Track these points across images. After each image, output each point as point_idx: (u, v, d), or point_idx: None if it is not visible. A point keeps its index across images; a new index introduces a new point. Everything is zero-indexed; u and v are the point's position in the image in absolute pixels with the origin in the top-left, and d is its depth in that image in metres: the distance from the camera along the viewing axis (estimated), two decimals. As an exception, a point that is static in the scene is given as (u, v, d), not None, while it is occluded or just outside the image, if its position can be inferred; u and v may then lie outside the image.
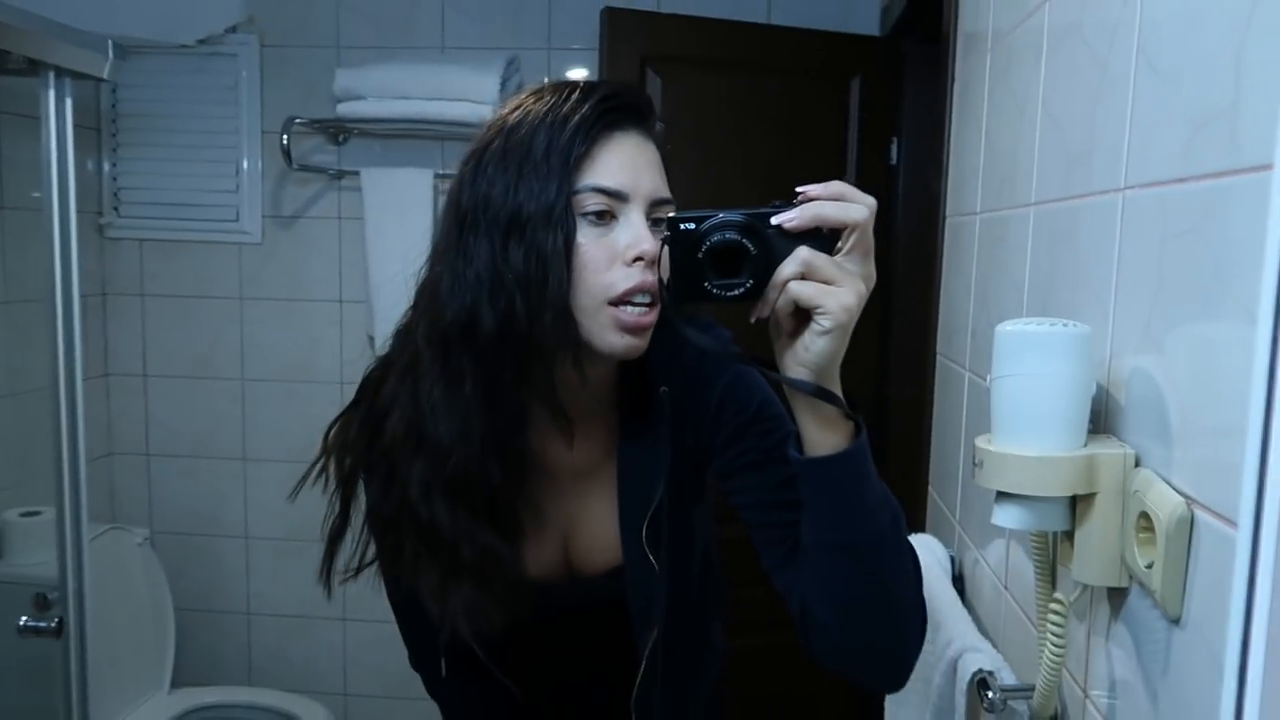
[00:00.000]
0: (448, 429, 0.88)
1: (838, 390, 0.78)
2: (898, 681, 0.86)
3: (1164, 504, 0.67)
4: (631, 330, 0.85)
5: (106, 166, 2.60)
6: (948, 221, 1.55)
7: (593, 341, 0.85)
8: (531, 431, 0.94)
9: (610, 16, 2.09)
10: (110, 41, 1.67)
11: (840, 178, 2.26)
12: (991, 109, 1.29)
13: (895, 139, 2.30)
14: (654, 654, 1.00)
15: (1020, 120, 1.13)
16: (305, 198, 2.59)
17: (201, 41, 2.52)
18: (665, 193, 0.87)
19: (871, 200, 0.77)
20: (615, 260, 0.84)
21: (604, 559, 1.01)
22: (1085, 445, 0.77)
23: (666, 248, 0.77)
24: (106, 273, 2.65)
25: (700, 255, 0.76)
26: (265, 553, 2.71)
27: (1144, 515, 0.71)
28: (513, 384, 0.87)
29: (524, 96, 0.90)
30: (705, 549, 1.08)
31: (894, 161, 2.31)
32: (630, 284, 0.83)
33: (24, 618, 1.62)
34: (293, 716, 2.41)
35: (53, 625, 1.60)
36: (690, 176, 2.13)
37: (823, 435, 0.78)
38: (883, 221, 2.36)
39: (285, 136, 2.39)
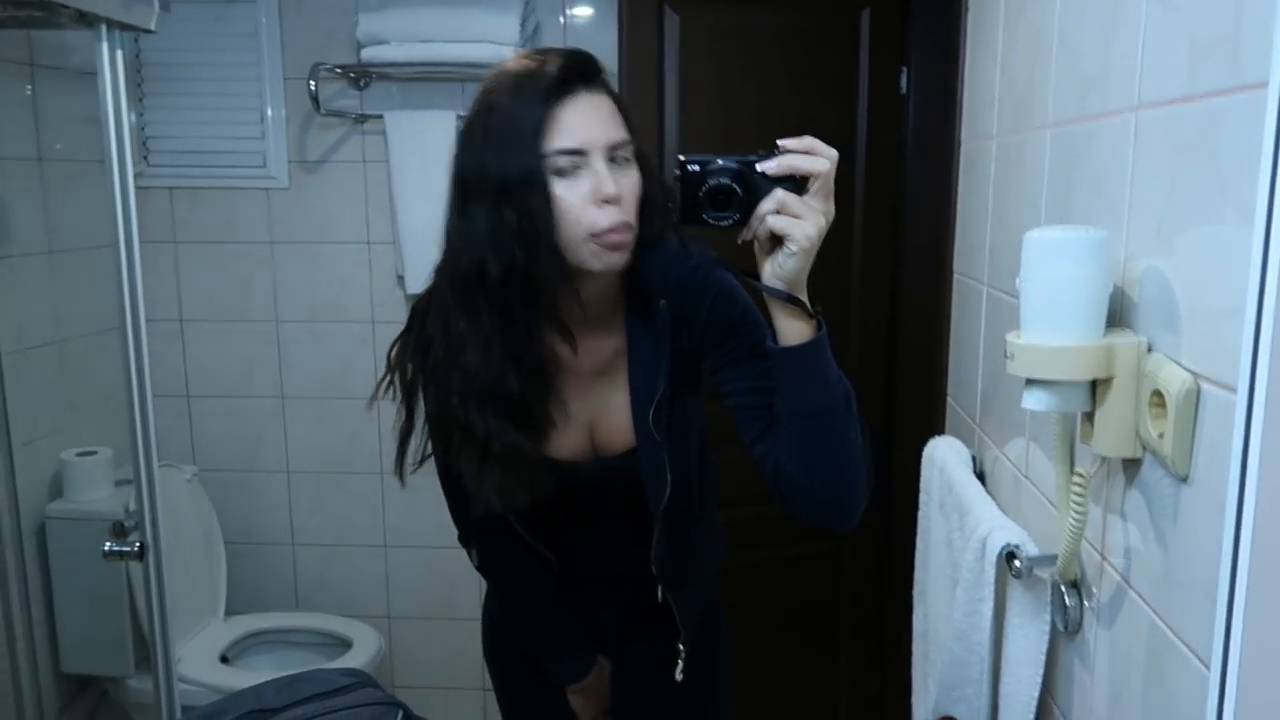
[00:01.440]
0: (473, 354, 1.12)
1: (804, 296, 1.01)
2: (848, 520, 1.10)
3: (1174, 380, 0.79)
4: (612, 249, 1.07)
5: (133, 117, 2.65)
6: (963, 147, 1.64)
7: (586, 264, 1.08)
8: (553, 344, 1.17)
9: (628, -45, 2.15)
10: (156, -5, 1.73)
11: (852, 108, 2.34)
12: (1007, 38, 1.38)
13: (905, 69, 2.37)
14: (667, 515, 1.24)
15: (1036, 48, 1.22)
16: (329, 142, 2.66)
17: (221, -10, 2.57)
18: (619, 135, 1.08)
19: (834, 153, 0.99)
20: (588, 203, 1.05)
21: (622, 441, 1.26)
22: (1104, 336, 0.88)
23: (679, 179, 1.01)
24: (140, 221, 2.72)
25: (701, 194, 1.00)
26: (305, 486, 2.83)
27: (1156, 393, 0.82)
28: (521, 313, 1.10)
29: (496, 74, 1.11)
30: (700, 431, 1.32)
31: (904, 91, 2.39)
32: (606, 222, 1.06)
33: (108, 543, 1.74)
34: (343, 637, 2.57)
35: (135, 549, 1.72)
36: (709, 110, 2.23)
37: (792, 330, 1.01)
38: (893, 149, 2.46)
39: (313, 83, 2.45)
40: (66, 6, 1.58)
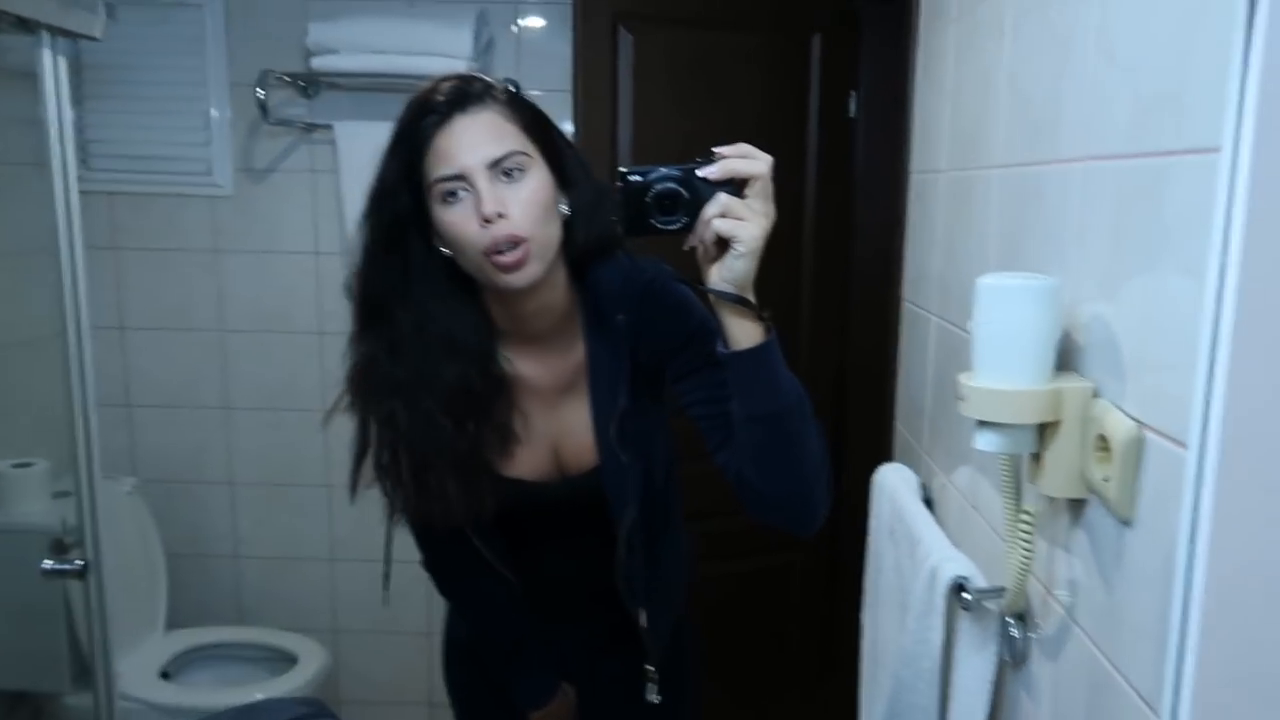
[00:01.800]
0: (372, 370, 1.18)
1: (752, 299, 1.02)
2: (809, 525, 1.13)
3: (1119, 427, 0.81)
4: (505, 269, 1.10)
5: (73, 118, 2.58)
6: (912, 178, 1.67)
7: (494, 283, 1.12)
8: (508, 359, 1.21)
9: (584, -27, 2.15)
10: (101, 1, 1.69)
11: (803, 130, 2.39)
12: (959, 75, 1.41)
13: (854, 93, 2.42)
14: (631, 532, 1.25)
15: (986, 89, 1.25)
16: (277, 150, 2.62)
17: (167, -8, 2.51)
18: (499, 151, 1.10)
19: (769, 157, 1.00)
20: (474, 222, 1.08)
21: (587, 459, 1.27)
22: (1052, 380, 0.90)
23: (621, 190, 1.02)
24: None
25: (648, 199, 1.00)
26: (249, 497, 2.79)
27: (1101, 437, 0.85)
28: (449, 292, 1.16)
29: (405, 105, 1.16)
30: (665, 445, 1.33)
31: (852, 115, 2.43)
32: (485, 241, 1.08)
33: (48, 561, 1.69)
34: (288, 652, 2.53)
35: (76, 567, 1.68)
36: (662, 126, 2.24)
37: (743, 333, 1.02)
38: (841, 171, 2.51)
39: (261, 90, 2.41)
40: (6, 12, 1.54)
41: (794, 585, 2.63)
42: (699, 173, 1.00)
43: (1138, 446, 0.80)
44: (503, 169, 1.09)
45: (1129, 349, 0.83)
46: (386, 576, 1.35)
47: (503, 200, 1.08)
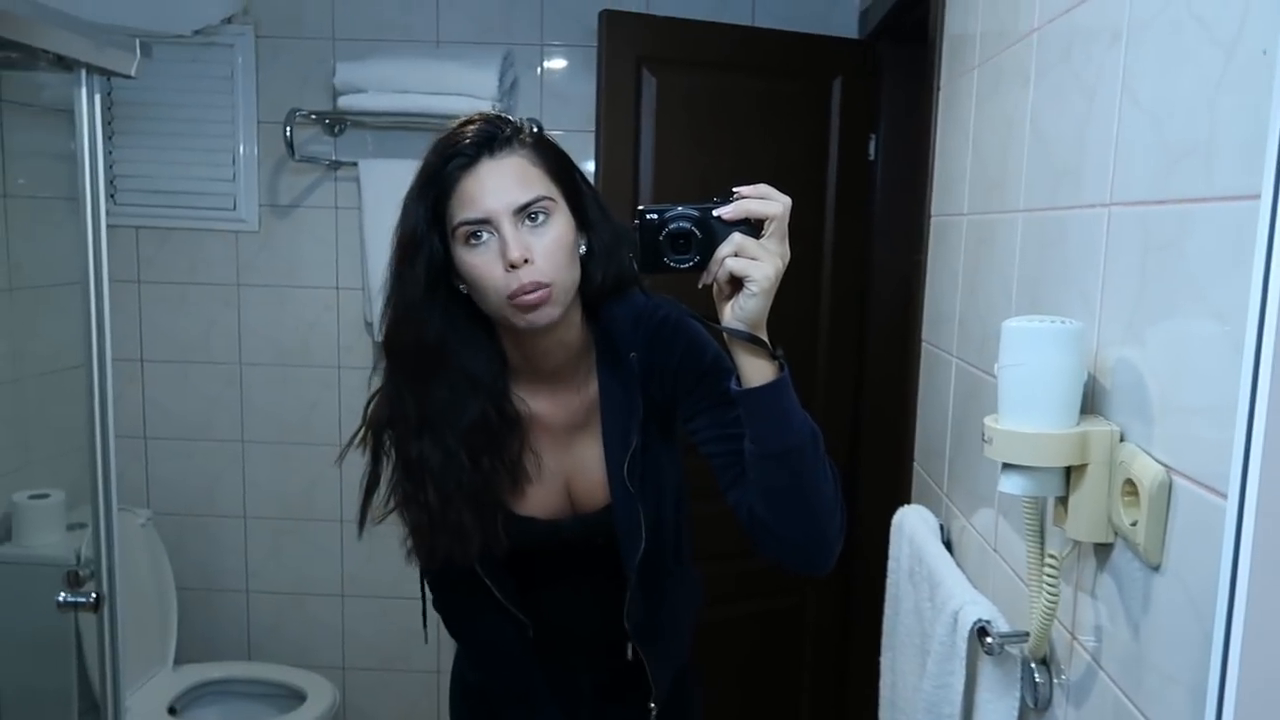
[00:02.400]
0: (396, 406, 1.19)
1: (765, 337, 1.03)
2: (822, 565, 1.12)
3: (1146, 472, 0.81)
4: (526, 309, 1.10)
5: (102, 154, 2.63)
6: (933, 220, 1.68)
7: (514, 324, 1.12)
8: (524, 397, 1.22)
9: (609, 19, 2.19)
10: (137, 40, 1.73)
11: (821, 172, 2.41)
12: (979, 121, 1.42)
13: (873, 136, 2.44)
14: (641, 570, 1.24)
15: (1009, 134, 1.26)
16: (301, 187, 2.66)
17: (197, 32, 2.56)
18: (525, 197, 1.11)
19: (786, 199, 1.02)
20: (499, 266, 1.09)
21: (600, 496, 1.26)
22: (1078, 424, 0.90)
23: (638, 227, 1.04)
24: (104, 259, 2.69)
25: (661, 238, 1.02)
26: (262, 532, 2.79)
27: (1129, 481, 0.84)
28: (432, 371, 1.16)
29: (433, 143, 1.16)
30: (677, 483, 1.32)
31: (872, 157, 2.45)
32: (512, 286, 1.09)
33: (63, 594, 1.69)
34: (297, 688, 2.51)
35: (91, 600, 1.68)
36: (683, 167, 2.27)
37: (756, 371, 1.03)
38: (861, 212, 2.53)
39: (288, 128, 2.45)
40: (47, 51, 1.57)
41: (806, 628, 2.60)
42: (715, 212, 1.01)
43: (1166, 491, 0.80)
44: (528, 214, 1.11)
45: (1157, 393, 0.83)
46: (425, 614, 1.36)
47: (528, 245, 1.09)
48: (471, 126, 1.13)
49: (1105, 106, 0.96)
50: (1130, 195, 0.90)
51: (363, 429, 1.24)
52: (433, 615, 1.36)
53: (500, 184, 1.10)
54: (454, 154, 1.11)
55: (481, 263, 1.10)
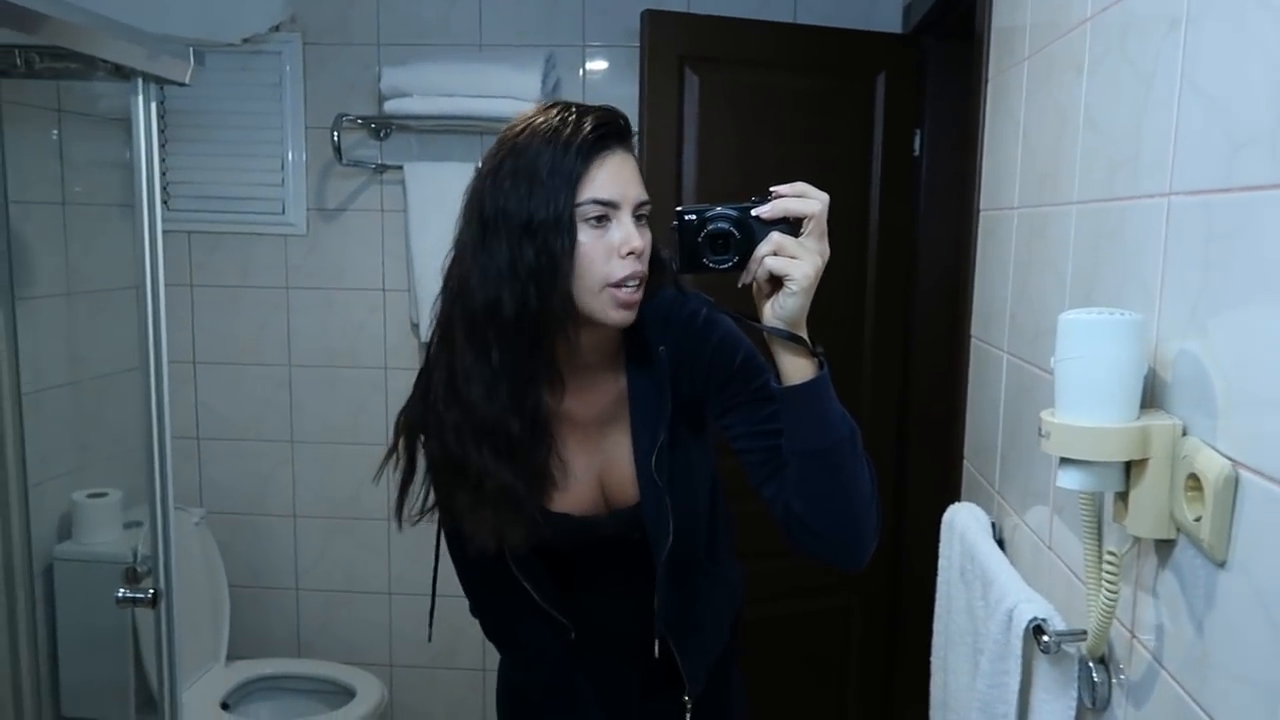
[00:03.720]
0: (477, 389, 1.13)
1: (805, 335, 1.03)
2: (857, 560, 1.12)
3: (1211, 466, 0.80)
4: (626, 305, 1.11)
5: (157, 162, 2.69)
6: (982, 214, 1.66)
7: (595, 316, 1.11)
8: (556, 394, 1.19)
9: (651, 18, 2.19)
10: (191, 49, 1.76)
11: (866, 168, 2.39)
12: (1030, 112, 1.40)
13: (918, 132, 2.42)
14: (670, 564, 1.23)
15: (1061, 126, 1.25)
16: (348, 191, 2.69)
17: (246, 40, 2.61)
18: (644, 196, 1.13)
19: (825, 196, 1.03)
20: (612, 253, 1.09)
21: (631, 492, 1.26)
22: (1138, 418, 0.89)
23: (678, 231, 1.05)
24: (157, 264, 2.74)
25: (700, 239, 1.04)
26: (311, 531, 2.83)
27: (1192, 476, 0.83)
28: (527, 353, 1.12)
29: (528, 118, 1.13)
30: (710, 479, 1.32)
31: (917, 153, 2.43)
32: (626, 272, 1.09)
33: (121, 590, 1.73)
34: (346, 685, 2.54)
35: (148, 596, 1.71)
36: (726, 166, 2.27)
37: (796, 369, 1.04)
38: (906, 209, 2.52)
39: (336, 133, 2.49)
40: (105, 61, 1.61)
41: (854, 627, 2.58)
42: (754, 211, 1.02)
43: (1233, 486, 0.78)
44: (639, 213, 1.12)
45: (1222, 386, 0.81)
46: (431, 613, 1.36)
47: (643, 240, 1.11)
48: (590, 115, 1.11)
49: (1164, 94, 0.94)
50: (1191, 184, 0.88)
51: (397, 440, 1.23)
52: (439, 614, 1.37)
53: (630, 175, 1.12)
54: (596, 135, 1.09)
55: (596, 245, 1.09)
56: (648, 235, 1.13)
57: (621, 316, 1.11)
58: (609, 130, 1.11)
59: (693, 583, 1.31)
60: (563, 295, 1.08)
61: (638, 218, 1.12)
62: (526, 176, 1.08)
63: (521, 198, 1.07)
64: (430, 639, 1.43)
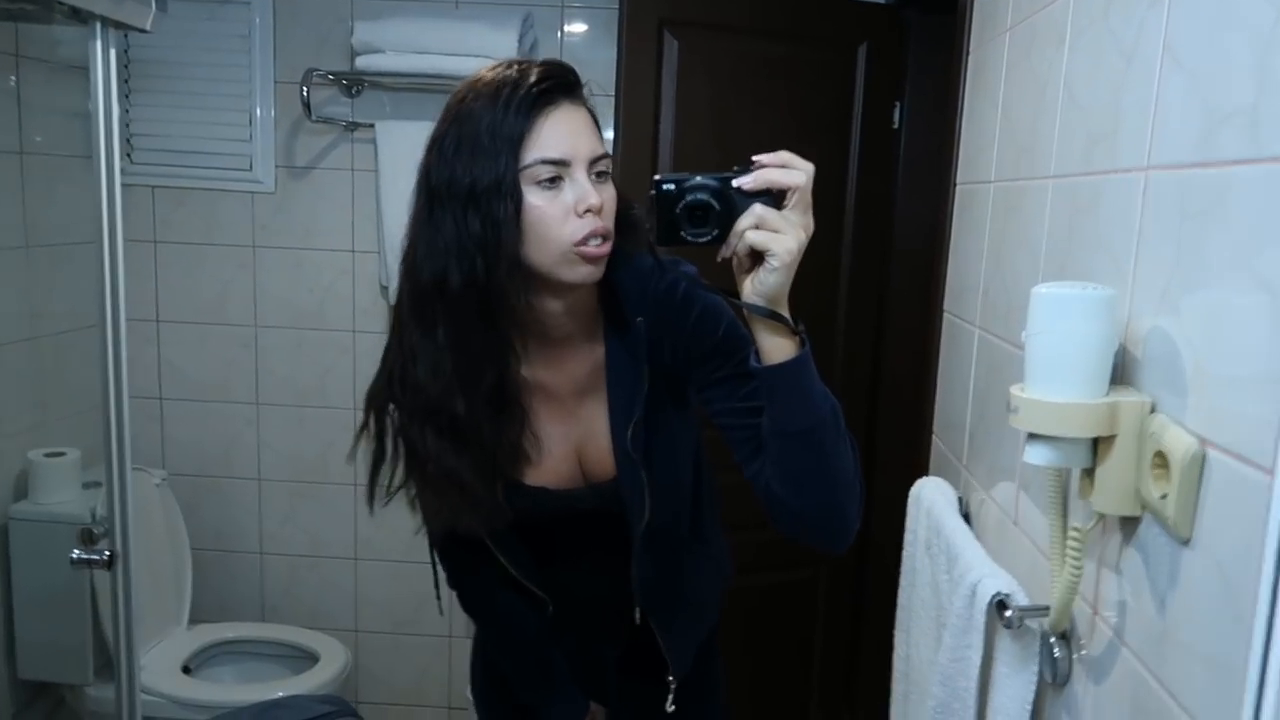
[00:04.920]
0: (423, 369, 1.10)
1: (786, 313, 0.99)
2: (841, 542, 1.09)
3: (1178, 444, 0.79)
4: (591, 261, 1.06)
5: (119, 113, 2.62)
6: (959, 188, 1.65)
7: (561, 277, 1.06)
8: (533, 364, 1.16)
9: (630, -23, 2.15)
10: (150, -7, 1.71)
11: (845, 140, 2.35)
12: (1009, 85, 1.39)
13: (899, 104, 2.40)
14: (647, 539, 1.21)
15: (1041, 98, 1.23)
16: (318, 148, 2.64)
17: (215, -10, 2.54)
18: (600, 149, 1.07)
19: (810, 166, 0.97)
20: (569, 214, 1.04)
21: (610, 467, 1.22)
22: (1108, 394, 0.88)
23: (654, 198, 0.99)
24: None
25: (678, 210, 0.98)
26: (277, 494, 2.80)
27: (1159, 454, 0.82)
28: (480, 328, 1.08)
29: (472, 80, 1.07)
30: (693, 454, 1.28)
31: (896, 125, 2.41)
32: (585, 231, 1.04)
33: (76, 551, 1.70)
34: (310, 650, 2.53)
35: (104, 558, 1.68)
36: (703, 134, 2.23)
37: (776, 347, 0.99)
38: (883, 181, 2.49)
39: (305, 89, 2.43)
40: (62, 3, 1.55)
41: (819, 600, 2.60)
42: (735, 182, 0.97)
43: (1200, 464, 0.77)
44: (597, 169, 1.06)
45: (1192, 364, 0.81)
46: (437, 585, 1.33)
47: (600, 196, 1.06)
48: (540, 67, 1.06)
49: (1144, 68, 0.93)
50: (1169, 159, 0.87)
51: (367, 418, 1.18)
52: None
53: (580, 129, 1.06)
54: (537, 90, 1.03)
55: (551, 206, 1.03)
56: (609, 190, 1.08)
57: (586, 272, 1.07)
58: (554, 84, 1.05)
59: (675, 559, 1.28)
60: (512, 263, 1.04)
61: (598, 174, 1.07)
62: (469, 142, 1.03)
63: (465, 165, 1.03)
64: (441, 612, 1.42)
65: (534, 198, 1.04)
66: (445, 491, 1.14)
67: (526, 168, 1.03)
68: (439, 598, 1.33)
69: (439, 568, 1.34)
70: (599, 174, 1.07)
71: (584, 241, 1.04)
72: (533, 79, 1.04)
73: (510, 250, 1.03)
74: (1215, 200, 0.78)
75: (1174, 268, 0.84)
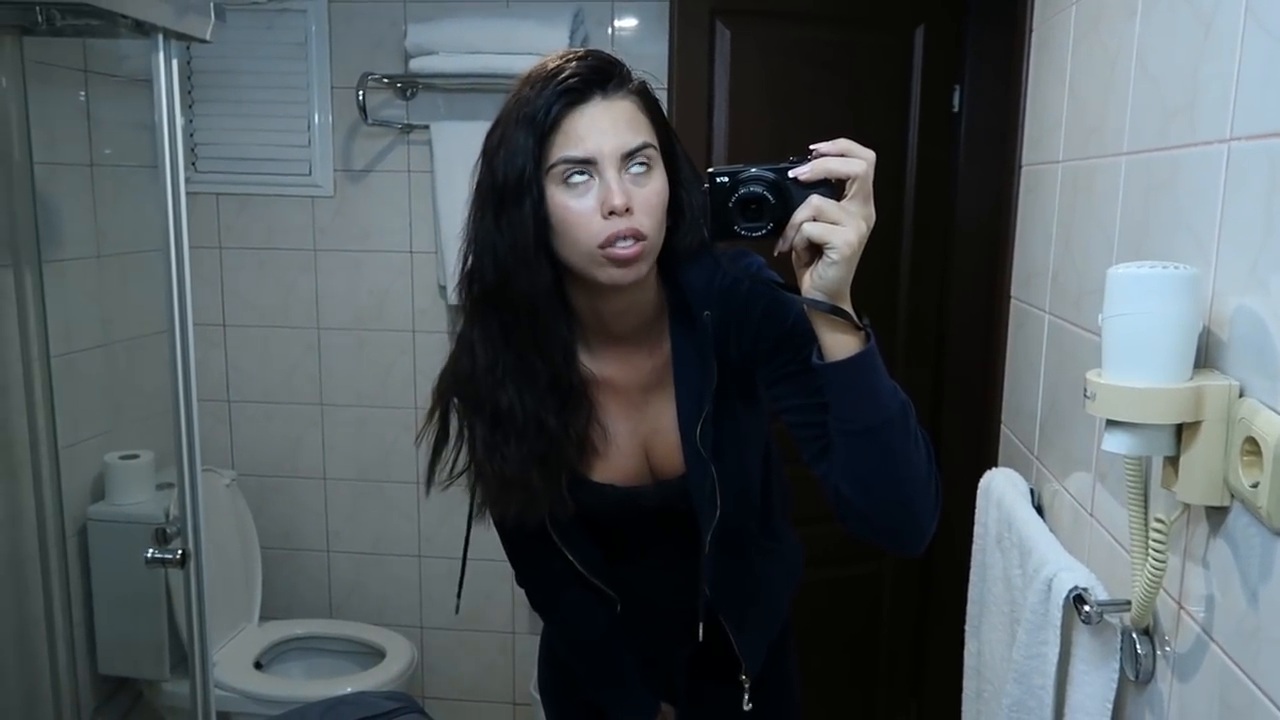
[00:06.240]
0: (472, 360, 1.12)
1: (848, 307, 0.94)
2: (914, 545, 1.03)
3: (1272, 429, 0.75)
4: (619, 263, 1.02)
5: (183, 123, 2.67)
6: (1024, 170, 1.60)
7: (596, 277, 1.04)
8: (591, 360, 1.15)
9: (681, -31, 2.13)
10: (211, 4, 1.74)
11: (904, 126, 2.31)
12: (1077, 61, 1.34)
13: (958, 87, 2.34)
14: (719, 538, 1.18)
15: (1111, 74, 1.18)
16: (375, 151, 2.66)
17: (271, -1, 2.58)
18: (634, 142, 1.02)
19: (870, 154, 0.93)
20: (594, 214, 1.01)
21: (678, 463, 1.19)
22: (1191, 378, 0.84)
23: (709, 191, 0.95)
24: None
25: (731, 204, 0.94)
26: (341, 493, 2.84)
27: (1249, 440, 0.78)
28: (526, 324, 1.08)
29: (524, 76, 1.06)
30: (764, 449, 1.25)
31: (956, 109, 2.35)
32: (608, 232, 1.01)
33: (151, 550, 1.74)
34: (376, 646, 2.56)
35: (177, 556, 1.72)
36: (758, 122, 2.20)
37: (838, 344, 0.95)
38: (945, 166, 2.43)
39: (361, 93, 2.46)
40: (125, 17, 1.59)
41: (884, 595, 2.55)
42: (792, 173, 0.93)
43: (1294, 450, 0.73)
44: (634, 161, 1.02)
45: (1283, 343, 0.76)
46: (460, 582, 1.33)
47: (629, 194, 1.01)
48: (577, 61, 1.03)
49: (1226, 35, 0.88)
50: (1254, 128, 0.82)
51: (434, 406, 1.19)
52: (468, 582, 1.35)
53: (611, 125, 1.01)
54: (563, 87, 1.00)
55: (577, 206, 1.01)
56: (653, 184, 1.03)
57: (613, 275, 1.03)
58: (583, 80, 1.01)
59: (746, 557, 1.25)
60: (542, 262, 1.03)
61: (641, 164, 1.02)
62: (505, 141, 1.02)
63: (500, 163, 1.03)
64: (458, 611, 1.40)
65: (561, 196, 1.02)
66: (496, 481, 1.14)
67: (551, 167, 1.01)
68: (459, 596, 1.33)
69: (466, 566, 1.33)
70: (639, 166, 1.02)
71: (609, 244, 1.01)
72: (562, 75, 1.01)
73: (539, 249, 1.03)
74: (1307, 171, 0.74)
75: (1263, 242, 0.80)
